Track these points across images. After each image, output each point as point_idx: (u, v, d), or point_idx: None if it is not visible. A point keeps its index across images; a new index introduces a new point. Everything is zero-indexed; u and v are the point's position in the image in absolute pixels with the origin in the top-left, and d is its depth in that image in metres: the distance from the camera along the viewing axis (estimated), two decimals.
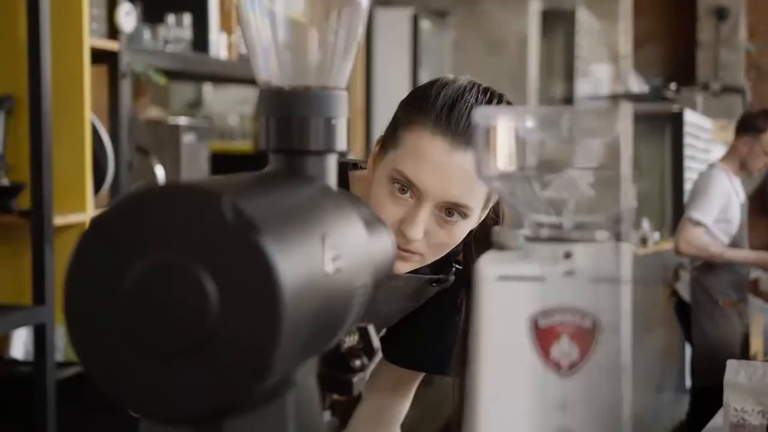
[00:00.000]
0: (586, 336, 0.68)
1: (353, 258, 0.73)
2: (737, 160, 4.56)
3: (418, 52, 5.21)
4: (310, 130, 0.78)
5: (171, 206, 0.62)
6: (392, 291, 1.45)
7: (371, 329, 0.88)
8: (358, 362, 0.87)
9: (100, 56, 2.90)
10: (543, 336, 0.68)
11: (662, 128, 7.07)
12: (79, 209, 2.73)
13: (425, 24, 5.36)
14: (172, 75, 3.61)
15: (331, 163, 0.80)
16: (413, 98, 1.35)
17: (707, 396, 4.39)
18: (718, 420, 2.09)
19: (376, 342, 0.88)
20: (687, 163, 7.14)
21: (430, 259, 1.36)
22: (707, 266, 4.49)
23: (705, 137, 7.66)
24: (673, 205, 7.28)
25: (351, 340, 0.89)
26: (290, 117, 0.78)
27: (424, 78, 4.73)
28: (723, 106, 8.24)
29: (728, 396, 1.94)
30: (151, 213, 0.62)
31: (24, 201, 2.58)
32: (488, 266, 0.69)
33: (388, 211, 1.30)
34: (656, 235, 6.09)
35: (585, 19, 7.61)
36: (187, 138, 3.32)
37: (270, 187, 0.71)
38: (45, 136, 2.51)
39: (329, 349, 0.79)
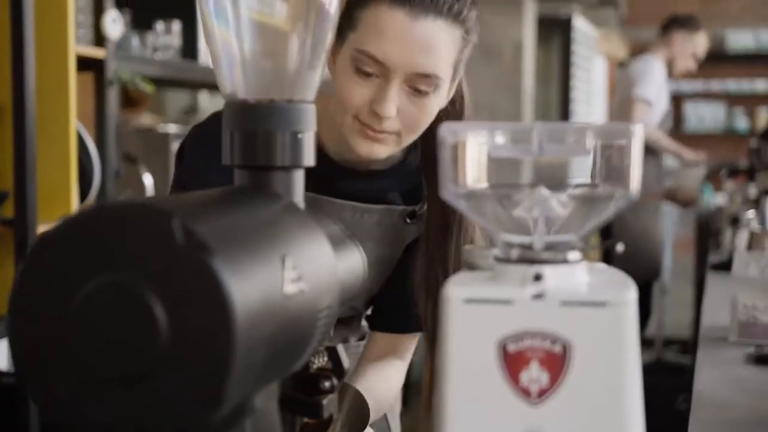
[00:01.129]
0: (557, 362, 0.65)
1: (317, 278, 0.70)
2: (667, 55, 4.59)
3: None
4: (276, 145, 0.75)
5: (121, 225, 0.59)
6: (367, 232, 1.43)
7: (340, 348, 0.85)
8: (327, 383, 0.85)
9: (86, 63, 2.87)
10: (512, 361, 0.65)
11: (551, 33, 7.10)
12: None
13: None
14: (161, 82, 3.58)
15: (298, 178, 0.78)
16: None
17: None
18: (721, 320, 1.95)
19: (345, 362, 0.85)
20: (572, 70, 7.20)
21: (406, 140, 1.34)
22: None
23: (590, 45, 7.71)
24: (560, 110, 7.31)
25: (320, 361, 0.86)
26: (255, 131, 0.75)
27: None
28: (598, 18, 8.27)
29: (737, 291, 1.82)
30: (100, 232, 0.59)
31: (7, 210, 2.55)
32: (455, 288, 0.66)
33: (356, 94, 1.29)
34: None
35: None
36: (177, 146, 3.29)
37: (229, 205, 0.68)
38: (29, 144, 2.47)
39: (296, 371, 0.76)
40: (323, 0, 0.79)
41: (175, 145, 3.28)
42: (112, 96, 2.95)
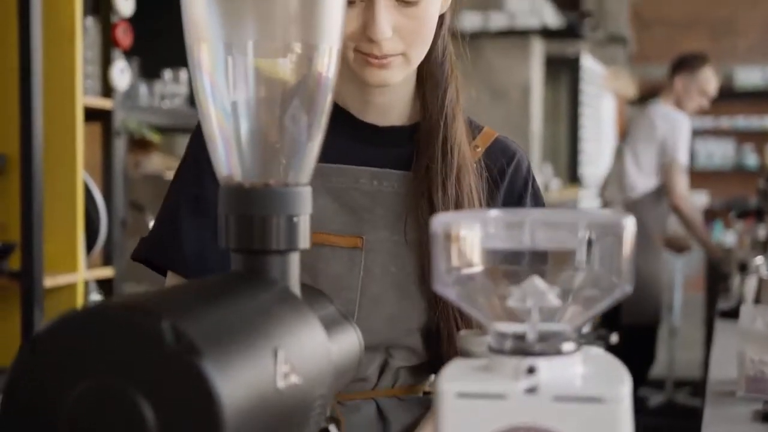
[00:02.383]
0: None
1: (310, 368, 0.70)
2: (673, 98, 4.58)
3: None
4: (271, 229, 0.75)
5: (110, 327, 0.59)
6: (389, 208, 1.31)
7: (333, 430, 0.84)
8: None
9: (94, 114, 2.89)
10: None
11: (558, 71, 7.11)
12: (70, 270, 2.70)
13: None
14: (169, 129, 3.59)
15: (294, 262, 0.77)
16: None
17: (636, 334, 4.35)
18: (730, 372, 1.90)
19: None
20: (580, 109, 7.22)
21: (415, 57, 1.26)
22: (644, 202, 4.44)
23: (599, 83, 7.73)
24: (569, 150, 7.30)
25: None
26: (250, 215, 0.75)
27: None
28: (606, 56, 8.28)
29: (743, 346, 1.77)
30: (90, 334, 0.59)
31: (14, 262, 2.55)
32: (448, 383, 0.66)
33: (344, 25, 1.21)
34: (556, 182, 6.13)
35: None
36: None
37: (221, 297, 0.68)
38: (36, 195, 2.48)
39: None
40: (320, 70, 0.79)
41: None
42: (120, 146, 2.97)
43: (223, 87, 0.77)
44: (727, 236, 5.73)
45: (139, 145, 4.14)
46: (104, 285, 2.98)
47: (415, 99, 1.37)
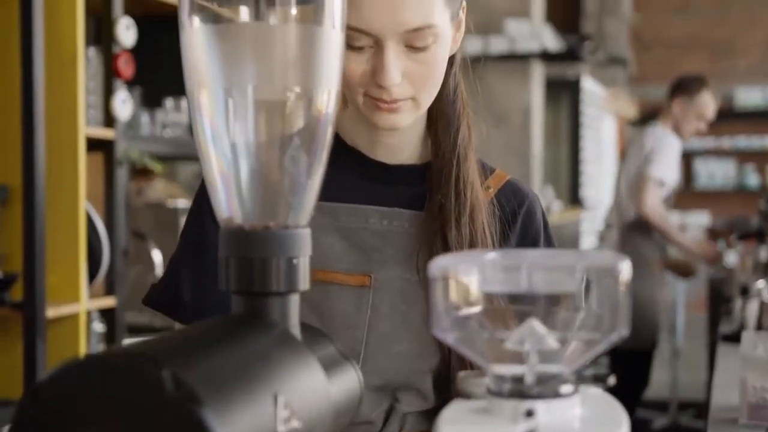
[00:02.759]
0: None
1: (310, 412, 0.71)
2: (671, 122, 4.58)
3: None
4: (272, 271, 0.76)
5: (111, 375, 0.60)
6: (397, 246, 1.30)
7: None
8: None
9: (96, 144, 2.90)
10: None
11: (559, 94, 7.10)
12: (73, 300, 2.70)
13: None
14: (171, 158, 3.60)
15: (294, 304, 0.78)
16: None
17: (631, 359, 4.33)
18: (732, 398, 1.89)
19: None
20: (581, 130, 7.23)
21: (425, 101, 1.25)
22: (638, 225, 4.42)
23: (599, 105, 7.75)
24: (570, 172, 7.29)
25: None
26: (251, 258, 0.76)
27: None
28: (606, 78, 8.29)
29: (745, 372, 1.76)
30: (91, 382, 0.60)
31: (16, 292, 2.56)
32: (447, 425, 0.66)
33: (353, 72, 1.20)
34: (557, 204, 6.13)
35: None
36: None
37: (221, 341, 0.69)
38: (38, 227, 2.49)
39: None
40: (320, 108, 0.79)
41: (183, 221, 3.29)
42: (122, 176, 2.98)
43: (223, 130, 0.77)
44: (729, 256, 5.72)
45: (141, 171, 4.15)
46: (106, 314, 2.98)
47: (426, 138, 1.36)
